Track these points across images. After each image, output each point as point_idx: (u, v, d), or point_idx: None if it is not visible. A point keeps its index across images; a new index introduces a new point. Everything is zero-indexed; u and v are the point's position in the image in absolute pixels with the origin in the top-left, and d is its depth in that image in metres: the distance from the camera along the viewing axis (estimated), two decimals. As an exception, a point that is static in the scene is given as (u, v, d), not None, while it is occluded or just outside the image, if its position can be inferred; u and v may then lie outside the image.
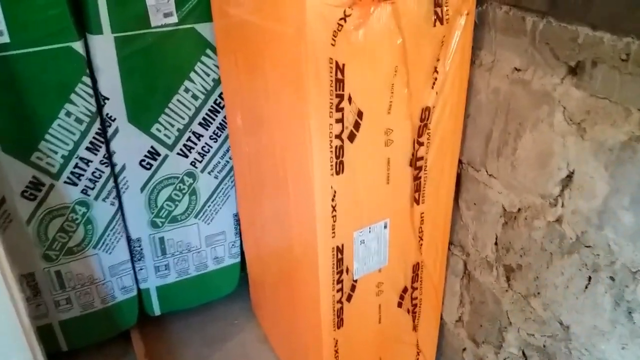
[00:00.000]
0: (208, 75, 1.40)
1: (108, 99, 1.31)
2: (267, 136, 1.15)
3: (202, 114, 1.44)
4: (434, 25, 0.95)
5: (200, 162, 1.50)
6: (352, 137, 0.97)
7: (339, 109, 0.93)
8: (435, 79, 1.02)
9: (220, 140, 1.50)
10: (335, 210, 1.03)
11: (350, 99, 0.94)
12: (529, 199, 1.02)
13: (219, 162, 1.53)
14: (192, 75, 1.38)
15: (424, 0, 0.92)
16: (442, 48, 0.99)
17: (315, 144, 0.94)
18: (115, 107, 1.33)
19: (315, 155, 0.95)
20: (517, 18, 0.93)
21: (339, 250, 1.08)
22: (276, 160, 1.13)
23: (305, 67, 0.88)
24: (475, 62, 1.06)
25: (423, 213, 1.16)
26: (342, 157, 0.98)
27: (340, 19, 0.86)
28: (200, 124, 1.45)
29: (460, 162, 1.18)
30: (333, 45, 0.87)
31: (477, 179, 1.14)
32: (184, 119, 1.42)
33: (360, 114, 0.96)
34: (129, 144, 1.39)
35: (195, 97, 1.41)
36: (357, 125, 0.97)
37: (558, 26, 0.86)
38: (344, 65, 0.90)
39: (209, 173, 1.53)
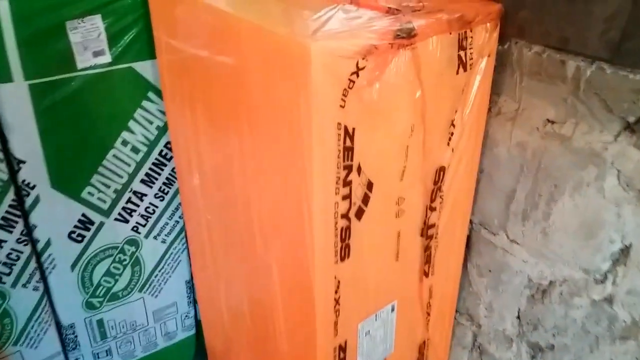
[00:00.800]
0: (151, 122, 1.15)
1: (24, 162, 1.03)
2: (241, 208, 0.91)
3: (145, 169, 1.18)
4: (457, 73, 0.76)
5: (144, 226, 1.24)
6: (360, 214, 0.77)
7: (347, 183, 0.72)
8: (452, 133, 0.83)
9: (167, 198, 1.24)
10: (339, 304, 0.81)
11: (359, 170, 0.73)
12: (566, 272, 0.85)
13: (167, 224, 1.27)
14: (132, 124, 1.12)
15: (447, 43, 0.73)
16: (461, 97, 0.81)
17: (317, 228, 0.73)
18: (34, 171, 1.05)
19: (317, 241, 0.74)
20: (554, 61, 0.76)
21: (342, 349, 0.86)
22: (254, 238, 0.90)
23: (308, 136, 0.66)
24: (492, 110, 0.89)
25: (432, 286, 0.97)
26: (349, 239, 0.77)
27: (352, 73, 0.65)
28: (142, 181, 1.19)
29: (470, 221, 1.00)
30: (342, 107, 0.66)
31: (493, 243, 0.97)
32: (122, 177, 1.16)
33: (370, 186, 0.76)
34: (54, 214, 1.11)
35: (135, 150, 1.15)
36: (366, 199, 0.76)
37: (615, 74, 0.70)
38: (354, 129, 0.69)
39: (154, 238, 1.27)
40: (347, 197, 0.73)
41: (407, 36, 0.67)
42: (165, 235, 1.28)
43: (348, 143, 0.70)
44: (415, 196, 0.84)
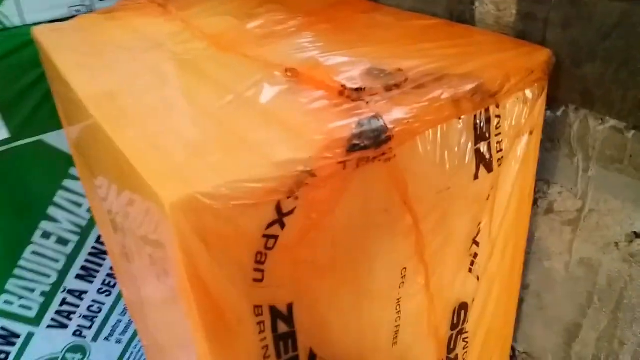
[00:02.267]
0: (79, 205, 0.88)
1: None
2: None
3: (80, 262, 0.92)
4: (476, 178, 0.45)
5: (89, 328, 0.97)
6: (325, 412, 0.46)
7: (292, 383, 0.42)
8: (475, 255, 0.52)
9: (115, 291, 0.97)
10: None
11: (313, 357, 0.43)
12: None
13: (120, 321, 1.01)
14: (52, 210, 0.85)
15: (453, 135, 0.41)
16: (486, 205, 0.49)
17: None
18: None
19: None
20: (648, 146, 0.44)
21: None
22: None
23: (199, 337, 0.37)
24: (539, 205, 0.57)
25: None
26: None
27: (271, 224, 0.34)
28: (78, 276, 0.92)
29: (512, 349, 0.68)
30: (259, 280, 0.36)
31: (548, 386, 0.65)
32: (49, 277, 0.89)
33: (337, 370, 0.45)
34: (-40, 333, 0.85)
35: (62, 241, 0.88)
36: (333, 391, 0.46)
37: None
38: (291, 306, 0.39)
39: (106, 339, 1.00)
40: (294, 403, 0.43)
41: (373, 144, 0.36)
42: (120, 334, 1.01)
43: (283, 328, 0.40)
44: (421, 356, 0.53)
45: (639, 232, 0.48)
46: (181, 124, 0.40)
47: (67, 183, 0.85)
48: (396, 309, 0.47)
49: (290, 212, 0.35)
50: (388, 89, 0.39)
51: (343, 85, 0.39)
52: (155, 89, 0.48)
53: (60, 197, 0.85)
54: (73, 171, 0.85)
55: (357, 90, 0.39)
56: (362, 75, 0.41)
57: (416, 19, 0.55)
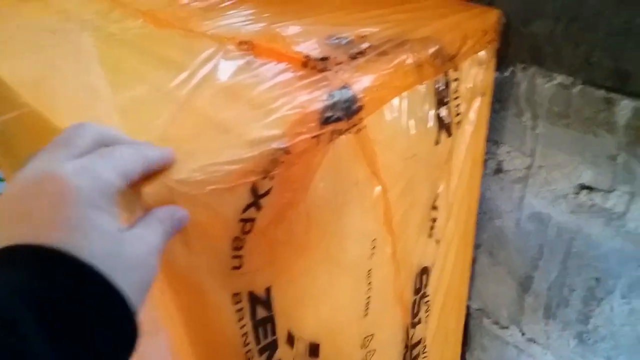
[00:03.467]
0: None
1: None
2: None
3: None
4: (437, 142, 0.45)
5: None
6: (302, 392, 0.46)
7: (271, 368, 0.41)
8: (434, 219, 0.52)
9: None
10: None
11: (291, 339, 0.42)
12: (619, 393, 0.57)
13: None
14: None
15: (416, 102, 0.41)
16: (444, 169, 0.49)
17: None
18: None
19: None
20: (594, 99, 0.46)
21: None
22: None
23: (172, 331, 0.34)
24: (488, 166, 0.58)
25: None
26: None
27: (247, 207, 0.33)
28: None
29: (467, 307, 0.71)
30: (237, 267, 0.34)
31: (501, 338, 0.68)
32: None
33: (314, 349, 0.45)
34: None
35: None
36: (310, 370, 0.45)
37: None
38: (269, 289, 0.37)
39: None
40: (274, 387, 0.42)
41: (345, 115, 0.35)
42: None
43: (262, 313, 0.38)
44: (389, 324, 0.54)
45: (585, 183, 0.51)
46: (135, 106, 0.37)
47: None
48: (367, 281, 0.47)
49: (266, 193, 0.33)
50: (352, 57, 0.38)
51: (307, 56, 0.37)
52: (98, 72, 0.44)
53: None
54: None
55: (322, 60, 0.37)
56: (322, 44, 0.39)
57: (357, -14, 0.54)
